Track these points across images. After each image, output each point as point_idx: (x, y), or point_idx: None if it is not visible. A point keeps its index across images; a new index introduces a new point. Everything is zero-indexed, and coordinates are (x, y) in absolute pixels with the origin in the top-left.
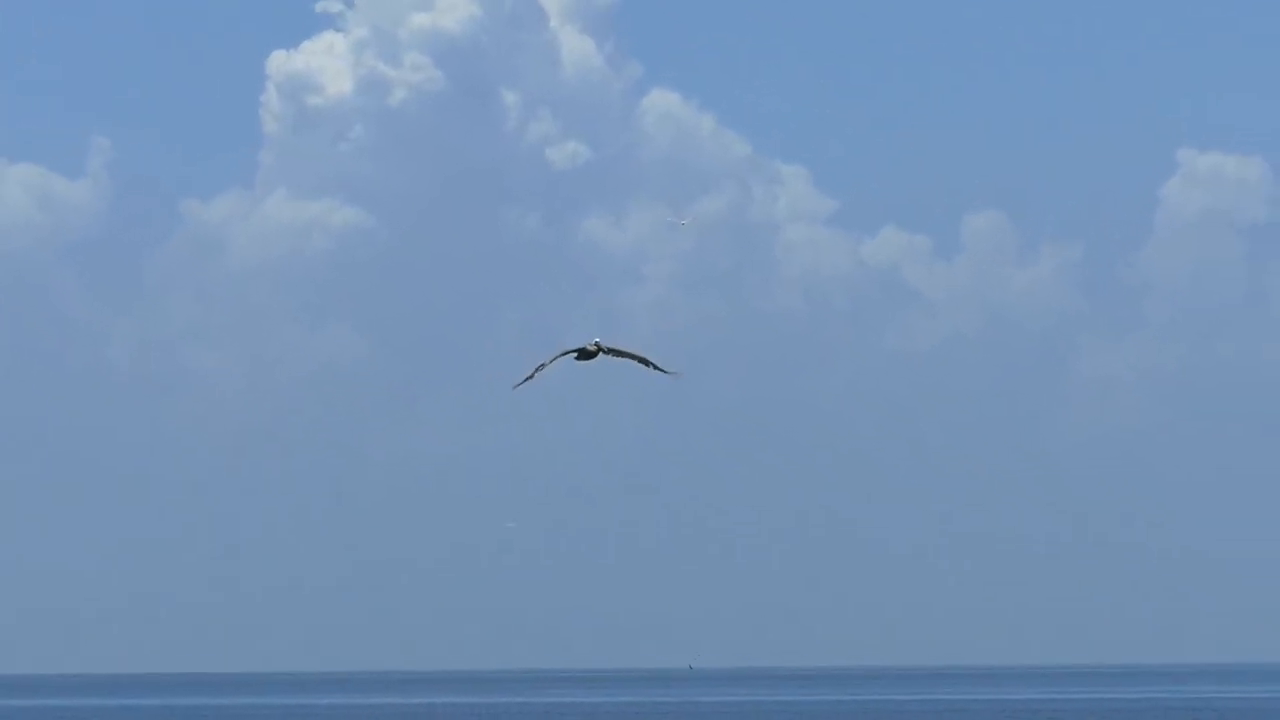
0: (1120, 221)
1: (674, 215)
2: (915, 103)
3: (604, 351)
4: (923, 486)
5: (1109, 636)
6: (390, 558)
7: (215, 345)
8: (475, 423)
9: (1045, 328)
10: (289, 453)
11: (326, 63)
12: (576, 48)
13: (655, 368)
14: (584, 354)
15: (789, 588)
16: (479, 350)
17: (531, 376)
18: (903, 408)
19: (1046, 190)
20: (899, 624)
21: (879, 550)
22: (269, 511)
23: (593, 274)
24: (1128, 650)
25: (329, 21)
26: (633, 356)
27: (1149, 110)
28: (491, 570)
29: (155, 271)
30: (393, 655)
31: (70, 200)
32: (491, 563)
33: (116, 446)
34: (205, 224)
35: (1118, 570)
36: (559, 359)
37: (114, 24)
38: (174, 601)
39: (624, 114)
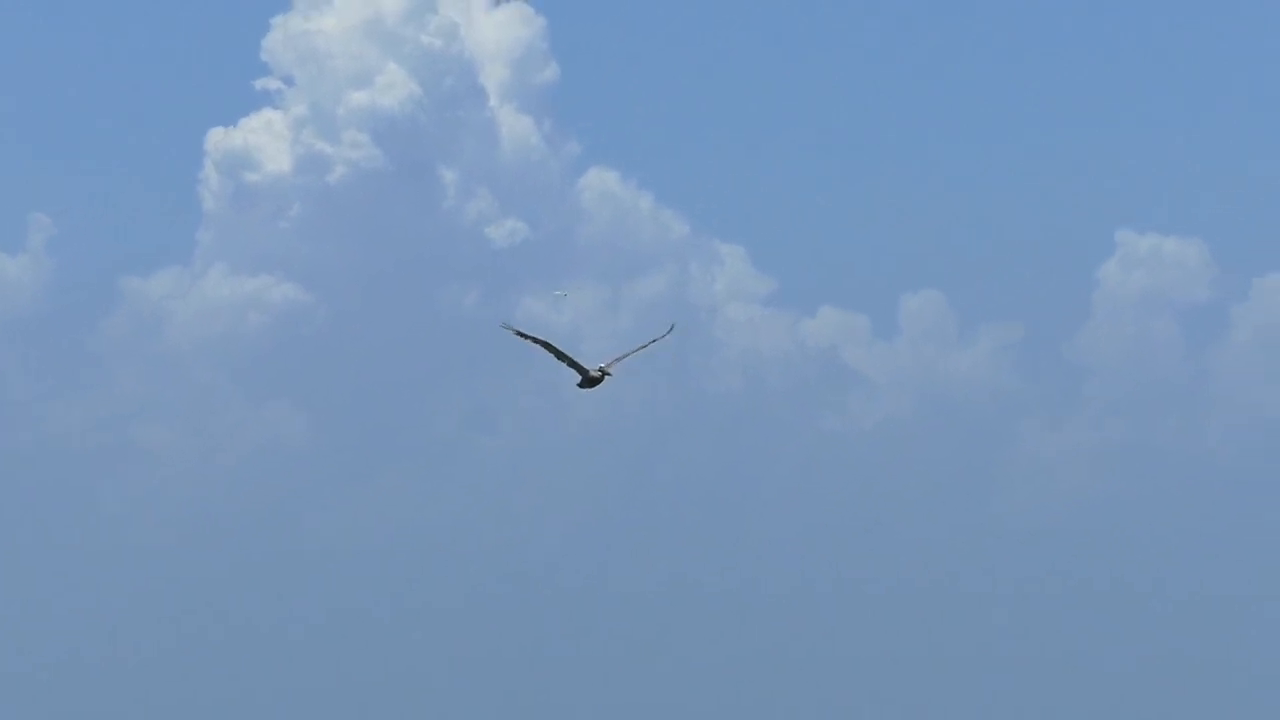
0: (1059, 302)
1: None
2: (853, 181)
3: (609, 374)
4: (862, 566)
5: (1051, 713)
6: (331, 633)
7: (157, 421)
8: (417, 500)
9: (985, 408)
10: (237, 526)
11: (265, 140)
12: (515, 126)
13: (653, 341)
14: (589, 381)
15: (732, 666)
16: (419, 427)
17: (528, 336)
18: (843, 488)
19: (984, 270)
20: (845, 694)
21: (815, 629)
22: (212, 586)
23: (533, 353)
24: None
25: (267, 99)
26: (632, 353)
27: (1088, 191)
28: (430, 649)
29: (96, 348)
30: None
31: (10, 277)
32: (429, 642)
33: (59, 520)
34: (146, 300)
35: (1058, 652)
36: (564, 361)
37: (52, 99)
38: (116, 674)
39: (562, 192)
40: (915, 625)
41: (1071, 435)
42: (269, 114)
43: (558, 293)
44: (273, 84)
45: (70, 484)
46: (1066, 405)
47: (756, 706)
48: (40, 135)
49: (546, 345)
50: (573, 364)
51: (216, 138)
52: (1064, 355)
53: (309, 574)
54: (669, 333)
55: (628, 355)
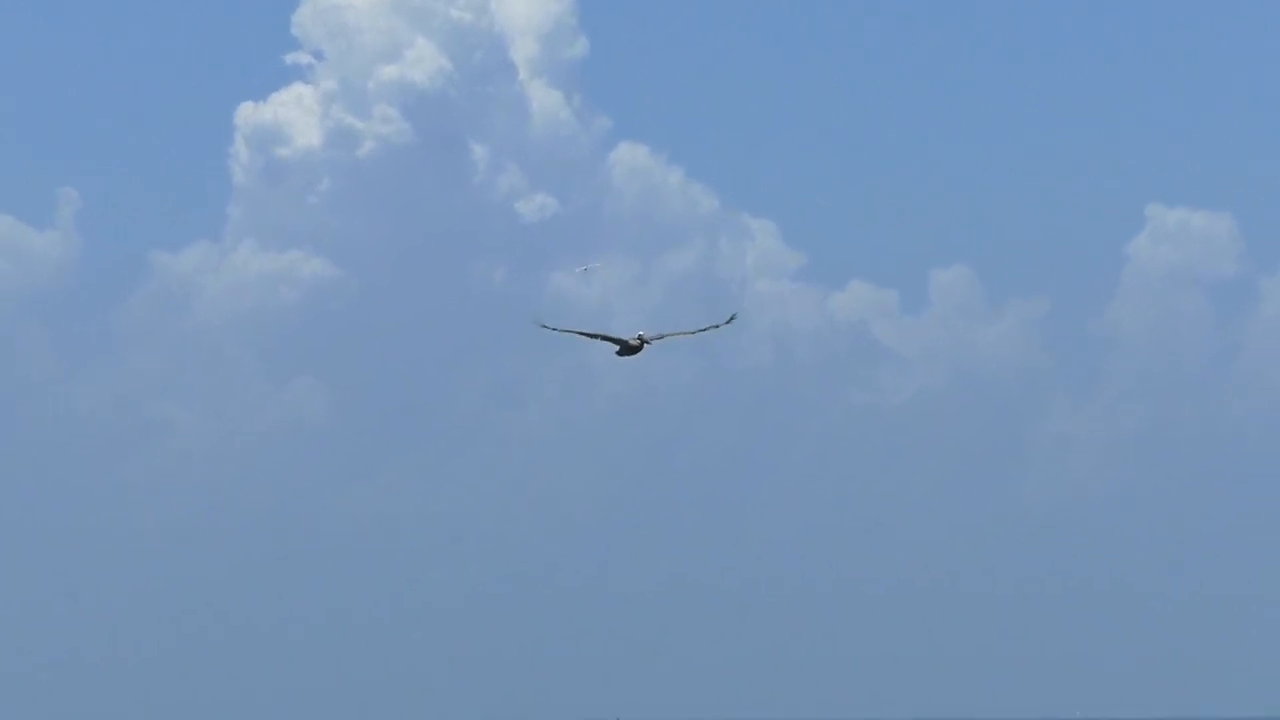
0: (1088, 277)
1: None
2: (883, 156)
3: (648, 343)
4: (890, 541)
5: (1078, 689)
6: (354, 611)
7: (183, 397)
8: (440, 478)
9: (1013, 383)
10: (256, 506)
11: (295, 115)
12: (545, 101)
13: (712, 327)
14: (627, 349)
15: (762, 640)
16: (445, 404)
17: (561, 329)
18: (870, 463)
19: (1014, 246)
20: (866, 679)
21: (848, 605)
22: (235, 564)
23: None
24: (1099, 703)
25: (298, 73)
26: (684, 334)
27: (1117, 166)
28: (458, 629)
29: (124, 323)
30: (351, 715)
31: (38, 251)
32: (459, 620)
33: (82, 498)
34: (174, 275)
35: (1087, 624)
36: (598, 339)
37: (82, 74)
38: (138, 653)
39: (592, 167)
40: (944, 601)
41: (1099, 410)
42: (299, 88)
43: (580, 269)
44: (303, 58)
45: (94, 456)
46: (1094, 380)
47: (786, 673)
48: (70, 111)
49: (580, 333)
50: (608, 339)
51: (246, 112)
52: (1091, 330)
53: (329, 551)
54: (729, 321)
55: (679, 334)
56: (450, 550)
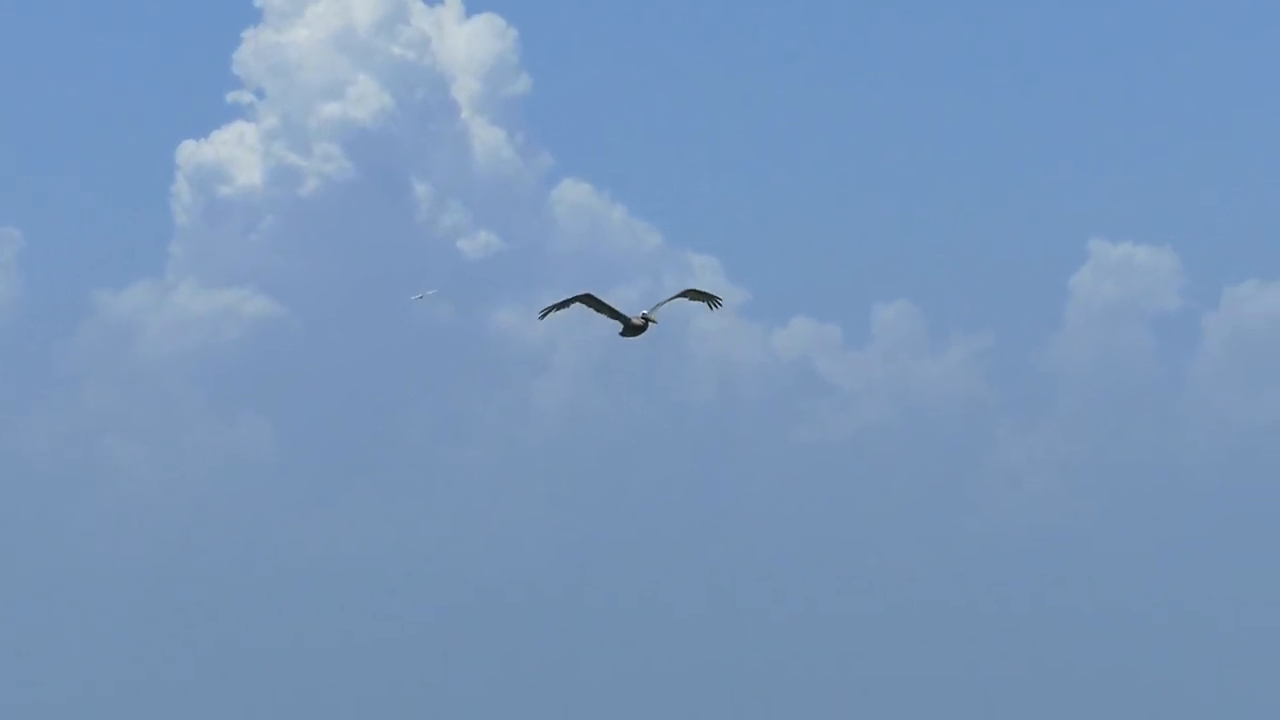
0: (1031, 310)
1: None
2: (825, 192)
3: (653, 322)
4: (835, 577)
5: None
6: (303, 648)
7: (128, 436)
8: (387, 514)
9: (957, 417)
10: (202, 544)
11: (237, 153)
12: (487, 138)
13: (702, 297)
14: (631, 329)
15: (706, 672)
16: (390, 441)
17: (563, 305)
18: (816, 498)
19: (956, 280)
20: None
21: (793, 639)
22: (182, 601)
23: (505, 365)
24: None
25: (239, 111)
26: (679, 296)
27: (1060, 200)
28: (408, 664)
29: (66, 363)
30: None
31: None
32: (409, 655)
33: (27, 538)
34: (117, 315)
35: (1036, 653)
36: (605, 313)
37: (21, 112)
38: (86, 694)
39: (535, 204)
40: (890, 636)
41: (1043, 444)
42: (240, 126)
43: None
44: (244, 97)
45: (38, 501)
46: (1038, 413)
47: (727, 710)
48: (9, 149)
49: (585, 301)
50: (614, 314)
51: (188, 151)
52: (1035, 363)
53: (278, 590)
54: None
55: (672, 299)
56: (398, 585)
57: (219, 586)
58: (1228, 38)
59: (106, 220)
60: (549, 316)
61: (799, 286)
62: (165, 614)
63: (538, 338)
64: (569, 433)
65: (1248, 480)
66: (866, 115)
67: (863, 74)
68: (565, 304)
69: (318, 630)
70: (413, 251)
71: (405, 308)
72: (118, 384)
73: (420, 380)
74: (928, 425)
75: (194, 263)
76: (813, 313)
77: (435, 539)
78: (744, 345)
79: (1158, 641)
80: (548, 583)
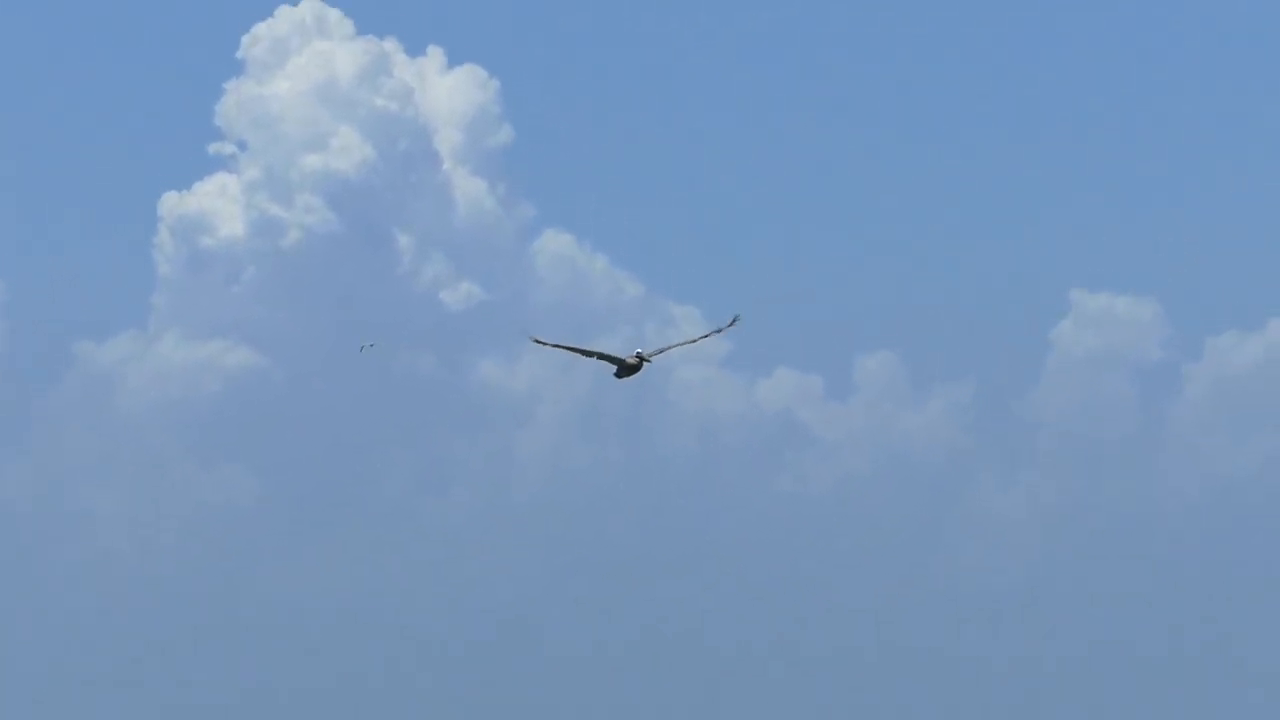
0: (1012, 361)
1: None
2: (806, 243)
3: (648, 361)
4: (816, 627)
5: None
6: (280, 697)
7: (109, 487)
8: (367, 565)
9: (939, 468)
10: (182, 595)
11: (219, 204)
12: (469, 189)
13: (710, 334)
14: (626, 369)
15: (682, 719)
16: (370, 492)
17: (554, 345)
18: (797, 548)
19: (938, 331)
20: None
21: (774, 687)
22: (162, 653)
23: (487, 415)
24: None
25: (221, 163)
26: (680, 345)
27: (1041, 251)
28: (382, 711)
29: (48, 413)
30: None
31: None
32: (386, 705)
33: (7, 584)
34: (99, 365)
35: (1017, 705)
36: (594, 357)
37: (4, 163)
38: None
39: (517, 255)
40: (873, 683)
41: (1025, 494)
42: (223, 178)
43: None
44: (226, 148)
45: (19, 548)
46: (1019, 463)
47: None
48: None
49: (573, 350)
50: (605, 358)
51: (170, 202)
52: (1016, 413)
53: (258, 638)
54: (731, 324)
55: (679, 345)
56: (377, 634)
57: (200, 634)
58: (1208, 92)
59: (89, 271)
60: (543, 347)
61: (781, 338)
62: (145, 660)
63: (520, 388)
64: (552, 483)
65: (1229, 529)
66: (848, 169)
67: (845, 128)
68: (556, 346)
69: (298, 678)
70: (395, 302)
71: (387, 358)
72: (100, 434)
73: (402, 430)
74: (910, 475)
75: (176, 314)
76: (795, 364)
77: (416, 588)
78: (726, 396)
79: (1139, 686)
80: (530, 630)
